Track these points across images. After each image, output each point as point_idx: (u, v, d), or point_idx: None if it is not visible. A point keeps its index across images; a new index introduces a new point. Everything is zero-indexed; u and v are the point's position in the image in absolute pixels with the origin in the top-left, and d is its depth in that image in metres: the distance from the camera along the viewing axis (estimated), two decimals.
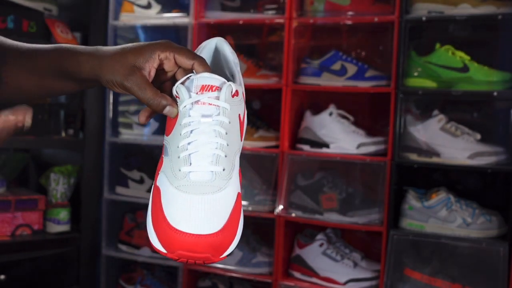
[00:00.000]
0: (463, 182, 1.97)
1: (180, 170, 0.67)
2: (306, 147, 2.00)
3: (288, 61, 1.99)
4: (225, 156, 0.68)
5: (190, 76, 0.71)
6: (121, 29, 2.29)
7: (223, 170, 0.67)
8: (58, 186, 2.20)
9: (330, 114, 1.99)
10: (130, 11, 2.24)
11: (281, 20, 2.00)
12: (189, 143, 0.68)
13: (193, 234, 0.62)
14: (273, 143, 2.08)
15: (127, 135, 2.31)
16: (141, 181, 2.28)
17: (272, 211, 2.00)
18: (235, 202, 0.67)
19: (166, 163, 0.69)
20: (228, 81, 0.70)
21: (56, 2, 2.28)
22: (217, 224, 0.63)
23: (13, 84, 0.74)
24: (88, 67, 0.71)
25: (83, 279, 2.25)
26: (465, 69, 1.81)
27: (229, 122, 0.69)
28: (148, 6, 2.23)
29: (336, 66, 1.99)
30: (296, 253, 2.03)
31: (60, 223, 2.19)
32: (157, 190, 0.68)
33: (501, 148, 1.79)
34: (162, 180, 0.68)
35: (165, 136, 0.72)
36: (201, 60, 0.72)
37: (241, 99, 0.72)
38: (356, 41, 2.14)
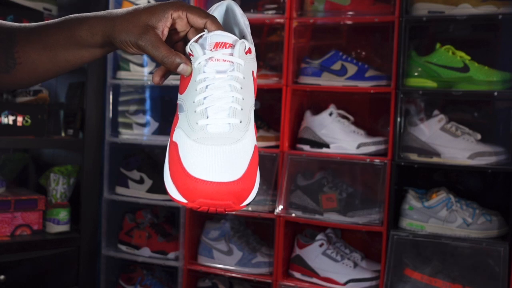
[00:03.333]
0: (463, 182, 1.97)
1: (197, 124, 0.68)
2: (306, 147, 2.00)
3: (288, 61, 1.99)
4: (241, 109, 0.70)
5: (203, 34, 0.73)
6: None
7: (240, 122, 0.69)
8: (58, 186, 2.20)
9: (330, 114, 1.99)
10: None
11: (281, 20, 2.00)
12: (205, 98, 0.70)
13: (214, 182, 0.63)
14: (273, 143, 2.07)
15: (127, 135, 2.31)
16: (141, 181, 2.28)
17: (272, 211, 2.00)
18: (253, 153, 0.69)
19: (182, 118, 0.71)
20: None
21: (55, 2, 2.28)
22: (237, 172, 0.65)
23: (28, 63, 0.75)
24: (100, 30, 0.72)
25: (83, 279, 2.25)
26: (465, 69, 1.80)
27: (244, 78, 0.71)
28: None
29: (336, 66, 1.99)
30: (296, 253, 2.03)
31: (59, 223, 2.19)
32: (174, 144, 0.69)
33: (501, 148, 1.79)
34: (179, 134, 0.70)
35: (179, 94, 0.74)
36: (213, 19, 0.73)
37: (253, 57, 0.74)
38: (356, 41, 2.14)
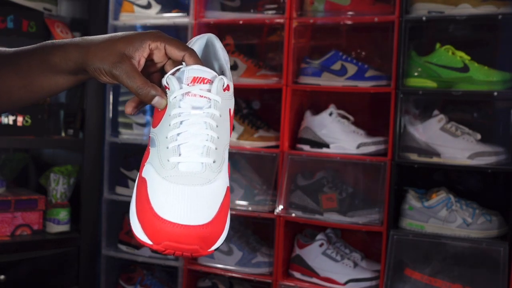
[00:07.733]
0: (463, 182, 1.97)
1: (168, 161, 0.65)
2: (306, 147, 2.00)
3: (288, 61, 1.99)
4: (216, 148, 0.67)
5: (181, 67, 0.70)
6: (121, 29, 2.29)
7: (214, 162, 0.66)
8: (58, 186, 2.20)
9: (330, 114, 1.99)
10: (130, 11, 2.24)
11: (281, 20, 2.00)
12: (178, 134, 0.66)
13: (182, 225, 0.60)
14: (273, 143, 2.07)
15: (127, 135, 2.31)
16: None
17: (272, 211, 2.00)
18: (225, 196, 0.66)
19: (153, 153, 0.68)
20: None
21: (56, 2, 2.28)
22: (206, 215, 0.62)
23: (2, 90, 0.72)
24: (74, 56, 0.69)
25: (83, 279, 2.25)
26: (465, 69, 1.81)
27: (220, 116, 0.69)
28: (148, 6, 2.23)
29: (336, 66, 1.99)
30: (296, 253, 2.03)
31: (60, 223, 2.19)
32: (143, 180, 0.66)
33: (501, 148, 1.79)
34: (148, 170, 0.67)
35: (151, 128, 0.71)
36: (192, 52, 0.71)
37: (231, 94, 0.72)
38: (356, 41, 2.14)
